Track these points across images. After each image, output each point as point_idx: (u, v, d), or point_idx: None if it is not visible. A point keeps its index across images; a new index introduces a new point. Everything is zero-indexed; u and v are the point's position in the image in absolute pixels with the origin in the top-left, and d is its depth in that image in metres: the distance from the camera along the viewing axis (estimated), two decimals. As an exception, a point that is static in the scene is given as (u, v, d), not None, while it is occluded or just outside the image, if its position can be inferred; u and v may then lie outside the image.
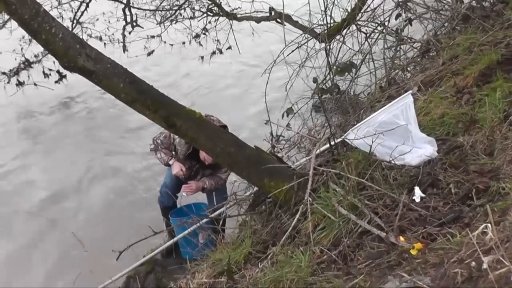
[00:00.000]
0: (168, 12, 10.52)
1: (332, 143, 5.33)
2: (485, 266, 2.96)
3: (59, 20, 7.39)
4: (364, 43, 8.01)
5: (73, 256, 6.74)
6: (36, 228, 7.59)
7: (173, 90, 9.96)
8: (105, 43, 11.09)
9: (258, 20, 9.56)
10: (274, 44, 9.19)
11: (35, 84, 10.85)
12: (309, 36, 8.09)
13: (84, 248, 5.61)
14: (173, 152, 6.38)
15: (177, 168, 6.24)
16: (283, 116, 7.39)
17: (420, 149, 4.89)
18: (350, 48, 8.02)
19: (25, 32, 4.57)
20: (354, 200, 4.43)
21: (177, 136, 6.13)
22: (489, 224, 3.08)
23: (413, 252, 3.83)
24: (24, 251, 7.37)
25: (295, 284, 3.98)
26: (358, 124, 5.43)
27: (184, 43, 11.21)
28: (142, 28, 10.61)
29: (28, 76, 10.76)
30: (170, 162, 6.29)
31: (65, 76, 10.70)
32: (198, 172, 6.46)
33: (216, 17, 10.17)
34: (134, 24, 10.53)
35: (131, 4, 10.35)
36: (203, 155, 6.07)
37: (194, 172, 6.44)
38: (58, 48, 4.34)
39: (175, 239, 5.99)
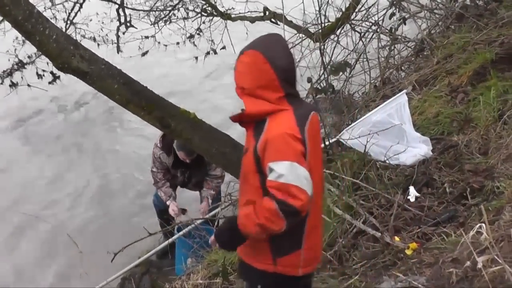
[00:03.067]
0: (162, 13, 10.49)
1: (327, 143, 5.33)
2: (479, 265, 2.96)
3: (53, 21, 7.34)
4: (358, 43, 7.99)
5: (68, 257, 6.71)
6: (32, 229, 7.56)
7: (167, 91, 9.91)
8: (99, 44, 11.03)
9: (253, 20, 9.52)
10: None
11: (28, 85, 10.79)
12: (303, 35, 8.08)
13: (78, 249, 5.59)
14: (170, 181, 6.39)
15: (172, 211, 6.28)
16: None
17: (415, 149, 4.90)
18: (344, 48, 8.00)
19: (19, 33, 4.56)
20: (349, 200, 4.43)
21: (158, 151, 6.14)
22: (483, 224, 3.08)
23: (408, 252, 3.84)
24: (18, 250, 7.34)
25: (290, 284, 3.97)
26: (352, 124, 5.43)
27: (178, 43, 11.17)
28: (136, 28, 10.56)
29: (22, 77, 10.69)
30: (168, 203, 6.31)
31: (58, 77, 10.63)
32: (190, 178, 6.41)
33: (210, 17, 10.15)
34: (128, 24, 10.49)
35: (125, 5, 10.31)
36: (181, 155, 6.02)
37: (187, 179, 6.41)
38: (51, 49, 4.32)
39: (170, 240, 5.97)
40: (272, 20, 9.07)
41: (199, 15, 10.22)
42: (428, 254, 3.71)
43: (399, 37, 7.96)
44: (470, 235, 3.19)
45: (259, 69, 2.78)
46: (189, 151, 5.83)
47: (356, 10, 7.94)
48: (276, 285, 2.97)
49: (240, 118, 2.91)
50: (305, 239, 2.89)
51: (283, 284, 2.96)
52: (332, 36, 7.95)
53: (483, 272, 2.93)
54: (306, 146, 2.77)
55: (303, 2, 7.75)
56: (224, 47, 10.27)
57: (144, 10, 10.56)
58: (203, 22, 10.43)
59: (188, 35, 10.88)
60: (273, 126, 2.78)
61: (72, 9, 10.27)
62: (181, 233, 5.79)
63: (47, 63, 9.18)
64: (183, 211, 6.33)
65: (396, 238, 4.01)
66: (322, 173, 3.06)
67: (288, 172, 2.67)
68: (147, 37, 10.97)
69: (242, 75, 2.85)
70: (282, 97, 2.81)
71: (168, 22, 10.56)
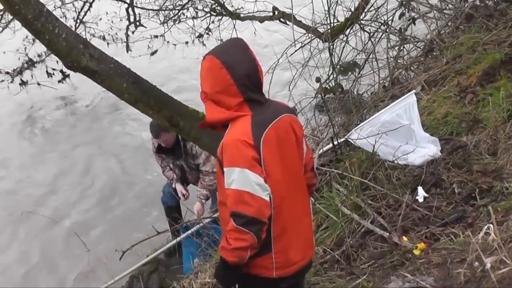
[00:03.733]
0: (171, 12, 10.51)
1: (335, 142, 5.33)
2: (488, 266, 2.96)
3: (62, 19, 7.39)
4: (367, 43, 7.97)
5: (76, 255, 6.74)
6: (39, 227, 7.59)
7: (178, 92, 9.94)
8: (108, 43, 11.08)
9: (261, 19, 9.51)
10: (277, 43, 9.18)
11: (38, 84, 10.87)
12: (312, 35, 8.07)
13: (86, 248, 5.61)
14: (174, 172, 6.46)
15: (179, 192, 6.39)
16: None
17: (424, 149, 4.88)
18: (353, 48, 7.99)
19: (29, 32, 4.59)
20: (357, 200, 4.43)
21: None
22: (491, 225, 3.08)
23: (416, 252, 3.84)
24: (26, 250, 7.38)
25: (298, 284, 3.98)
26: (361, 124, 5.43)
27: (187, 42, 11.19)
28: (146, 27, 10.60)
29: (32, 76, 10.76)
30: (173, 186, 6.44)
31: (68, 76, 10.71)
32: (184, 170, 6.41)
33: (219, 17, 10.15)
34: (138, 23, 10.52)
35: (134, 4, 10.34)
36: (162, 140, 6.09)
37: (181, 171, 6.42)
38: (61, 48, 4.35)
39: (178, 239, 5.99)
40: (281, 19, 9.07)
41: (208, 14, 10.22)
42: (436, 255, 3.70)
43: (408, 37, 7.93)
44: (479, 236, 3.18)
45: (215, 75, 2.81)
46: (155, 133, 5.95)
47: (365, 10, 7.91)
48: (252, 286, 3.03)
49: (205, 125, 2.98)
50: (273, 243, 2.91)
51: (260, 285, 3.01)
52: (341, 36, 7.93)
53: (491, 273, 2.93)
54: (261, 152, 2.78)
55: (312, 2, 7.76)
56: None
57: (153, 10, 10.58)
58: (212, 22, 10.45)
59: (197, 34, 10.90)
60: (229, 132, 2.85)
61: (82, 8, 10.31)
62: (189, 232, 5.81)
63: (57, 62, 9.26)
64: None
65: (404, 238, 4.00)
66: (296, 175, 3.02)
67: (238, 178, 2.74)
68: (156, 36, 11.01)
69: (203, 80, 2.89)
70: (242, 102, 2.83)
71: (177, 22, 10.58)
